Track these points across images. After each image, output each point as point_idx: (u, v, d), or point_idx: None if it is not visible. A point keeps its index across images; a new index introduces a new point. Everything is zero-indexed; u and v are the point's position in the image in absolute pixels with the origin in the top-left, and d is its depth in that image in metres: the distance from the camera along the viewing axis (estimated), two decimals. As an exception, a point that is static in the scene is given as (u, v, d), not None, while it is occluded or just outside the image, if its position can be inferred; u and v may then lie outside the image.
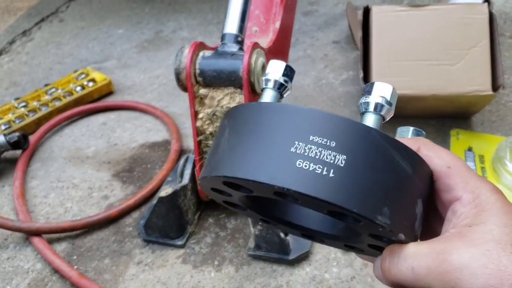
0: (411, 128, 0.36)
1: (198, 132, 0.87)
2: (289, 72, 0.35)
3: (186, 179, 0.89)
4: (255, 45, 0.82)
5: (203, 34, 1.68)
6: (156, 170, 1.08)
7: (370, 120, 0.30)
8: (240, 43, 0.87)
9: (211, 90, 0.85)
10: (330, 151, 0.27)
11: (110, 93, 1.37)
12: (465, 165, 0.30)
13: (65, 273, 0.84)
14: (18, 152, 1.14)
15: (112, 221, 0.95)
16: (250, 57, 0.80)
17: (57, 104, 1.28)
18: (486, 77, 0.95)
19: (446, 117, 1.11)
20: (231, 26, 0.87)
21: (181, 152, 1.11)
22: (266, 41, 0.97)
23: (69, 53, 1.66)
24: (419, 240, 0.30)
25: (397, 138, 0.33)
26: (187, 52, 0.84)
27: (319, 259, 0.84)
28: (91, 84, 1.34)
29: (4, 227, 0.91)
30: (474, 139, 1.03)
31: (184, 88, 0.86)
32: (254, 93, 0.83)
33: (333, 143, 0.27)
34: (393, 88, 0.30)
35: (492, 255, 0.25)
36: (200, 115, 0.85)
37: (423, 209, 0.30)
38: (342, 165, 0.27)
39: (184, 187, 0.87)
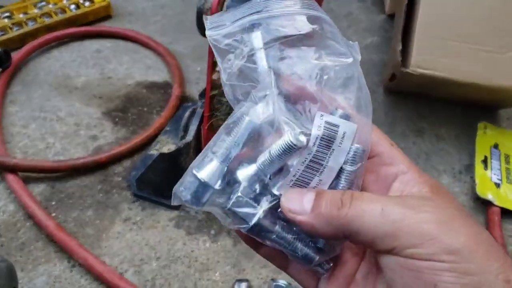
0: None
1: (212, 85, 0.76)
2: None
3: (190, 136, 0.79)
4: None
5: (217, -34, 1.51)
6: (153, 115, 0.97)
7: None
8: (277, -10, 0.74)
9: (235, 40, 0.73)
10: None
11: (107, 17, 1.22)
12: None
13: (40, 222, 0.74)
14: (-2, 70, 1.01)
15: (100, 167, 0.85)
16: (289, 10, 0.68)
17: (47, 20, 1.13)
18: (535, 72, 0.86)
19: (473, 105, 1.02)
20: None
21: (182, 99, 1.00)
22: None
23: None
24: None
25: None
26: (215, -10, 0.71)
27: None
28: (87, 3, 1.18)
29: (-24, 157, 0.80)
30: (501, 136, 0.95)
31: (204, 32, 0.74)
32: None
33: None
34: None
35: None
36: (219, 68, 0.74)
37: None
38: None
39: (187, 145, 0.78)
